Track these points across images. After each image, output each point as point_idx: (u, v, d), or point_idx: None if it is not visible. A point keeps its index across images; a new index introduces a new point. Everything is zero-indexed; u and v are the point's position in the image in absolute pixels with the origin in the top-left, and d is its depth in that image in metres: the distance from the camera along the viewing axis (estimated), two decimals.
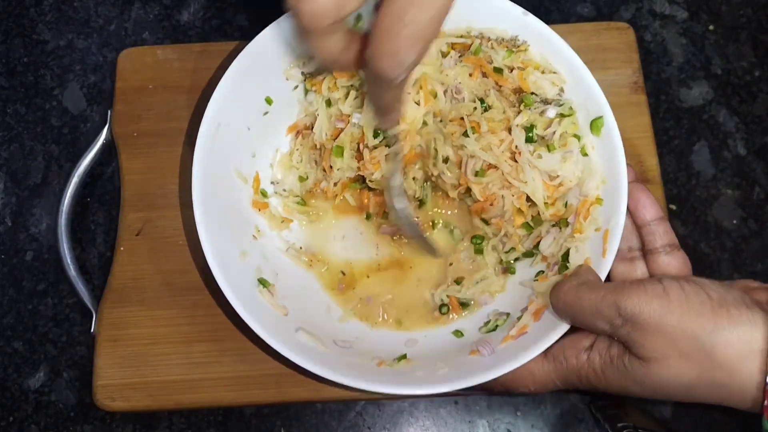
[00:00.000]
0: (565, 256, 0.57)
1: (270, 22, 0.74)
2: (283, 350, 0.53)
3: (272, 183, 0.65)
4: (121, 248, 0.64)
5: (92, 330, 0.62)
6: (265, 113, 0.63)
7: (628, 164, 0.56)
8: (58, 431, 0.62)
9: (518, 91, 0.61)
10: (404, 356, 0.57)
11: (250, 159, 0.63)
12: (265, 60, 0.61)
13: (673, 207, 0.67)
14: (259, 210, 0.63)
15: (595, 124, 0.58)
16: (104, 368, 0.61)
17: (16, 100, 0.72)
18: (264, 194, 0.63)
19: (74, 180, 0.66)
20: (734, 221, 0.67)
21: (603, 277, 0.53)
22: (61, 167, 0.70)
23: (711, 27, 0.74)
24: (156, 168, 0.66)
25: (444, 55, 0.62)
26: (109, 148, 0.69)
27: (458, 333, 0.59)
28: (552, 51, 0.60)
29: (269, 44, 0.60)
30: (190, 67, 0.70)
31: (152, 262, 0.64)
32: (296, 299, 0.59)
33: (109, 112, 0.69)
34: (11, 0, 0.76)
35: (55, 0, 0.76)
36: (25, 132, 0.71)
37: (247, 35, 0.73)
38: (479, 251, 0.62)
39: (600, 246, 0.55)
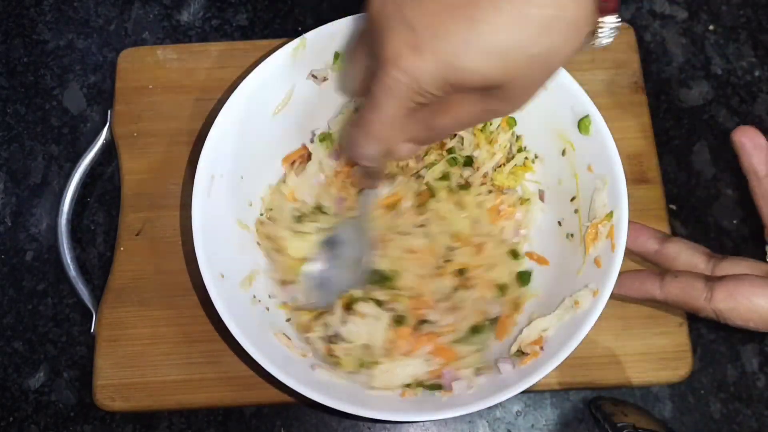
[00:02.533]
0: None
1: (269, 23, 0.75)
2: (306, 391, 0.52)
3: (261, 214, 0.63)
4: (121, 248, 0.64)
5: (92, 330, 0.62)
6: (256, 159, 0.62)
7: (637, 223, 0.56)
8: (58, 431, 0.62)
9: None
10: (438, 386, 0.56)
11: (248, 208, 0.62)
12: (250, 106, 0.60)
13: (673, 207, 0.67)
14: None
15: (583, 124, 0.58)
16: (104, 368, 0.61)
17: (16, 100, 0.72)
18: None
19: (74, 180, 0.66)
20: (734, 221, 0.67)
21: (616, 272, 0.53)
22: (61, 167, 0.70)
23: (711, 27, 0.74)
24: (156, 168, 0.66)
25: None
26: (109, 148, 0.69)
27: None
28: None
29: (254, 90, 0.60)
30: (190, 67, 0.70)
31: (152, 263, 0.64)
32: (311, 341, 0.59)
33: (109, 112, 0.69)
34: (11, 0, 0.76)
35: (55, 0, 0.76)
36: (25, 132, 0.71)
37: (247, 35, 0.74)
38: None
39: (607, 244, 0.55)
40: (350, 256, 0.60)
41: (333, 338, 0.58)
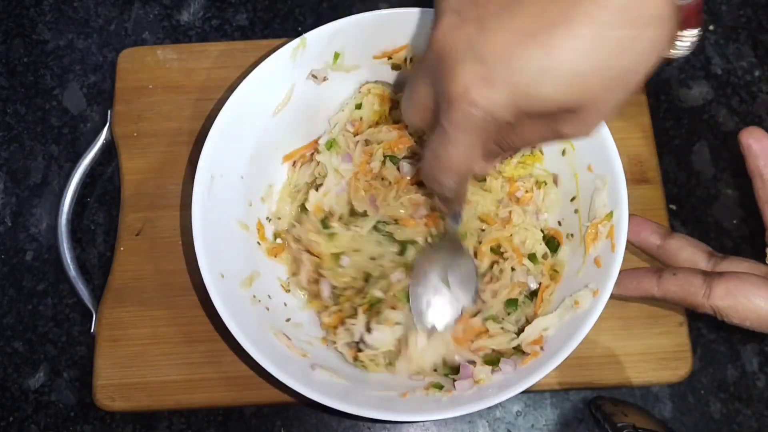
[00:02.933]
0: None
1: (269, 23, 0.75)
2: (305, 391, 0.52)
3: (267, 219, 0.63)
4: (121, 248, 0.64)
5: (92, 330, 0.62)
6: (256, 159, 0.62)
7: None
8: (58, 431, 0.62)
9: None
10: (439, 385, 0.56)
11: (248, 208, 0.62)
12: (250, 106, 0.60)
13: (673, 207, 0.67)
14: (276, 256, 0.62)
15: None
16: (104, 368, 0.61)
17: (16, 100, 0.72)
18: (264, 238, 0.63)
19: (74, 180, 0.66)
20: (734, 221, 0.67)
21: (616, 272, 0.53)
22: (61, 167, 0.70)
23: (711, 27, 0.74)
24: (156, 168, 0.66)
25: None
26: (109, 148, 0.69)
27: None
28: None
29: (254, 90, 0.59)
30: (190, 67, 0.70)
31: (152, 262, 0.64)
32: (309, 342, 0.59)
33: (109, 112, 0.69)
34: (11, 0, 0.76)
35: (55, 0, 0.76)
36: (25, 132, 0.71)
37: (247, 35, 0.74)
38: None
39: (607, 244, 0.55)
40: (457, 280, 0.58)
41: (359, 344, 0.58)
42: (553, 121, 0.43)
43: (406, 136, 0.62)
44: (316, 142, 0.65)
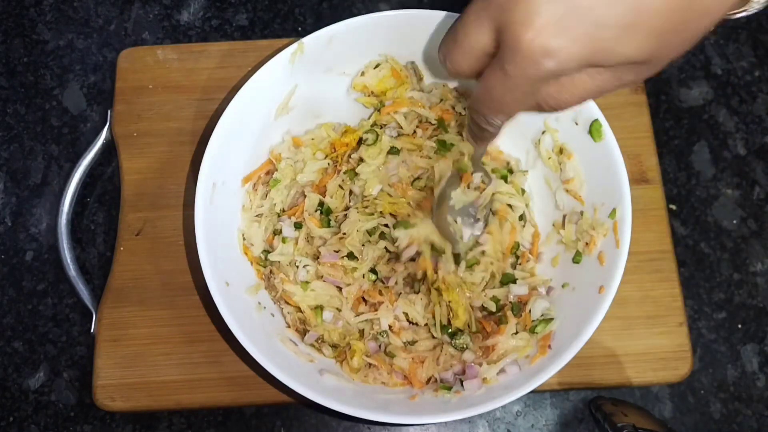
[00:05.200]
0: (578, 255, 0.58)
1: (269, 23, 0.75)
2: (317, 397, 0.52)
3: (243, 238, 0.62)
4: (121, 248, 0.64)
5: (92, 330, 0.62)
6: (258, 162, 0.62)
7: None
8: (58, 431, 0.62)
9: None
10: (448, 388, 0.56)
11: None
12: (249, 113, 0.60)
13: (673, 207, 0.67)
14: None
15: (595, 128, 0.57)
16: (104, 368, 0.61)
17: (16, 100, 0.72)
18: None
19: (74, 180, 0.66)
20: (734, 221, 0.67)
21: (621, 269, 0.53)
22: (61, 167, 0.70)
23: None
24: (156, 168, 0.66)
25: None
26: (109, 148, 0.69)
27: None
28: None
29: (252, 97, 0.59)
30: (190, 67, 0.70)
31: (152, 262, 0.64)
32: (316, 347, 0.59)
33: (109, 112, 0.69)
34: (11, 0, 0.76)
35: (55, 0, 0.76)
36: (25, 132, 0.71)
37: (247, 35, 0.74)
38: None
39: (611, 241, 0.55)
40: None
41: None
42: (617, 71, 0.41)
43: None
44: (270, 162, 0.63)
